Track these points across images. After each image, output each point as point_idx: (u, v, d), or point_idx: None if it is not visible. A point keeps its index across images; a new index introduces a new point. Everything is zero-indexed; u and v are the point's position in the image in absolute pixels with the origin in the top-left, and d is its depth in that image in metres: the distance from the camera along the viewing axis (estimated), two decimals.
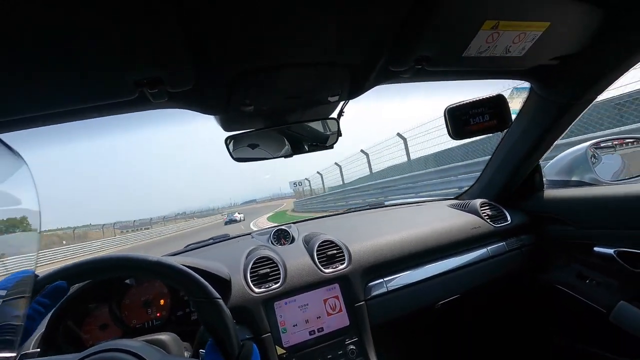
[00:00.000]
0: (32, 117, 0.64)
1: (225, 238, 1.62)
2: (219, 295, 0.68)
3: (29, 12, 0.43)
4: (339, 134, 1.02)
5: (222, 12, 0.54)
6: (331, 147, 1.04)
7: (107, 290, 1.05)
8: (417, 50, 0.79)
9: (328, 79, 0.84)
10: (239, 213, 32.69)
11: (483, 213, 1.44)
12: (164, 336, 0.81)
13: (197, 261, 1.08)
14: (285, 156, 1.01)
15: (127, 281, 1.07)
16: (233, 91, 0.75)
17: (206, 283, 0.69)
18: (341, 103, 1.00)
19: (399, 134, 10.23)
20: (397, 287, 1.21)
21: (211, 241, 1.61)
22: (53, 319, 0.94)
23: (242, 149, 0.98)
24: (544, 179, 1.46)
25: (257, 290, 1.08)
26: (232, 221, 27.48)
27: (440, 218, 1.46)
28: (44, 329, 0.92)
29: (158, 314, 1.08)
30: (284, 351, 1.04)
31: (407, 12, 0.67)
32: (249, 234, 1.63)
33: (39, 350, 0.88)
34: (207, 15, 0.53)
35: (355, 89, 0.92)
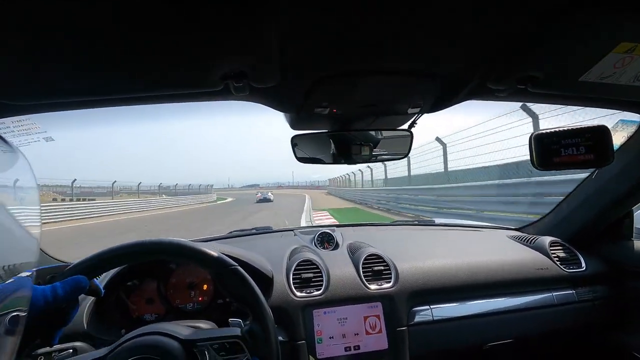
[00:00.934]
0: (128, 98, 0.66)
1: (267, 230, 1.62)
2: (235, 263, 0.69)
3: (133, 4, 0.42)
4: (410, 146, 0.95)
5: (313, 13, 0.50)
6: (399, 159, 0.96)
7: (156, 268, 1.08)
8: (524, 69, 0.69)
9: (414, 90, 0.77)
10: (271, 193, 33.73)
11: (553, 253, 1.27)
12: (202, 324, 0.82)
13: (242, 253, 1.08)
14: (349, 163, 0.95)
15: (171, 265, 1.10)
16: (312, 91, 0.71)
17: (220, 254, 0.70)
18: (417, 114, 0.92)
19: (437, 139, 9.47)
20: (443, 317, 1.12)
21: (254, 231, 1.62)
22: (106, 288, 0.99)
23: (306, 149, 0.94)
24: (634, 227, 1.26)
25: (298, 294, 1.06)
26: (265, 199, 28.50)
27: (499, 249, 1.32)
28: (93, 301, 0.97)
29: (200, 298, 1.09)
30: None
31: (523, 24, 0.57)
32: (292, 230, 1.61)
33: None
34: (298, 15, 0.50)
35: (440, 103, 0.83)
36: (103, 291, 0.68)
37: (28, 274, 0.53)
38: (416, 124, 0.98)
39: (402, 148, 0.95)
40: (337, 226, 1.63)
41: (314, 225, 1.91)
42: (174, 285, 1.08)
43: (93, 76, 0.58)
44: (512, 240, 1.42)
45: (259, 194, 31.70)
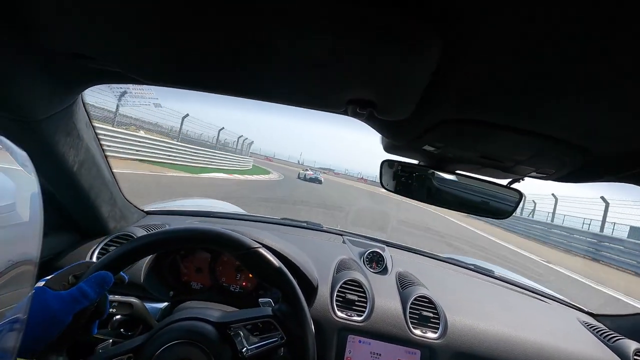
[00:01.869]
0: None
1: (318, 227, 1.60)
2: (258, 245, 0.68)
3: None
4: (516, 208, 0.81)
5: (477, 64, 0.41)
6: (499, 217, 0.84)
7: None
8: None
9: (550, 157, 0.64)
10: (323, 173, 29.75)
11: None
12: (227, 308, 0.83)
13: (294, 255, 1.06)
14: (439, 205, 0.85)
15: None
16: (434, 130, 0.62)
17: (241, 235, 0.68)
18: (536, 178, 0.78)
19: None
20: None
21: (305, 224, 1.60)
22: (162, 253, 1.04)
23: (395, 177, 0.86)
24: None
25: (339, 314, 1.02)
26: (314, 180, 24.69)
27: (568, 335, 1.13)
28: (153, 258, 1.02)
29: (244, 284, 1.10)
30: None
31: None
32: (341, 234, 1.57)
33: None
34: (459, 62, 0.41)
35: (577, 176, 0.69)
36: (127, 278, 0.69)
37: (42, 283, 0.54)
38: (524, 179, 0.84)
39: (506, 207, 0.82)
40: (387, 244, 1.55)
41: (362, 235, 1.84)
42: (224, 262, 1.10)
43: (216, 73, 0.55)
44: (585, 329, 1.23)
45: (309, 171, 27.51)
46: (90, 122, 0.85)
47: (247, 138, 27.77)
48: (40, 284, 0.54)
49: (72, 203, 0.97)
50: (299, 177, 25.50)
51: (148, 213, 1.37)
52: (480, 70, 0.42)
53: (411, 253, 1.57)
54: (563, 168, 0.67)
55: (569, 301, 1.45)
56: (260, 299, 0.77)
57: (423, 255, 1.58)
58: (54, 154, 0.77)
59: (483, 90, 0.47)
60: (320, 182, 24.72)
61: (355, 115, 0.59)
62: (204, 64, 0.52)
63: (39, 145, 0.73)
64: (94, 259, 1.00)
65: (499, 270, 1.63)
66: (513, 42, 0.36)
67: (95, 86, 0.72)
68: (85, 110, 0.82)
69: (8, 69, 0.54)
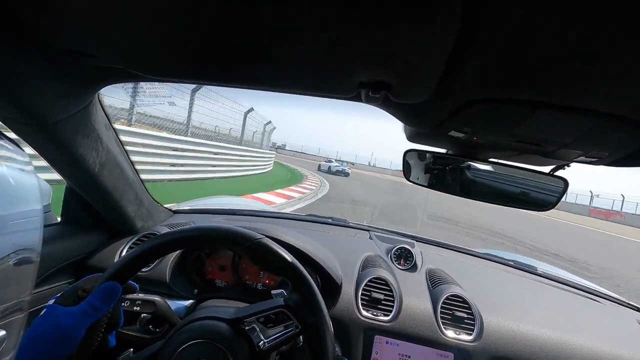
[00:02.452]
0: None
1: (344, 223, 1.55)
2: (260, 236, 0.64)
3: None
4: (560, 198, 0.72)
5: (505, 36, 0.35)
6: (541, 209, 0.75)
7: None
8: None
9: (604, 138, 0.55)
10: (350, 165, 24.94)
11: None
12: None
13: (316, 252, 1.03)
14: (473, 197, 0.77)
15: None
16: (460, 113, 0.55)
17: (242, 229, 0.65)
18: (587, 163, 0.68)
19: None
20: None
21: (330, 220, 1.57)
22: (186, 250, 1.05)
23: (421, 168, 0.79)
24: None
25: (364, 313, 0.97)
26: (340, 172, 22.40)
27: (626, 340, 1.00)
28: (178, 256, 1.04)
29: (267, 281, 1.09)
30: None
31: None
32: (368, 230, 1.51)
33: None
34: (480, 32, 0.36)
35: (630, 159, 0.59)
36: (138, 286, 0.69)
37: (52, 301, 0.55)
38: (570, 165, 0.74)
39: (550, 197, 0.72)
40: (417, 240, 1.47)
41: (391, 230, 1.77)
42: (247, 261, 1.10)
43: (222, 65, 0.52)
44: None
45: (334, 162, 24.46)
46: (110, 123, 0.87)
47: (270, 122, 16.75)
48: (51, 301, 0.55)
49: (98, 204, 1.00)
50: (319, 169, 23.11)
51: (176, 212, 1.40)
52: (511, 39, 0.35)
53: (443, 249, 1.48)
54: (619, 150, 0.57)
55: (626, 300, 1.30)
56: (272, 291, 0.75)
57: (456, 250, 1.48)
58: (74, 156, 0.79)
59: (515, 63, 0.40)
60: (347, 174, 22.79)
61: (368, 100, 0.54)
62: (210, 56, 0.49)
63: (58, 148, 0.75)
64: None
65: (542, 267, 1.49)
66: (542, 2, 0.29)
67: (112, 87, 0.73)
68: (104, 112, 0.83)
69: (17, 72, 0.54)
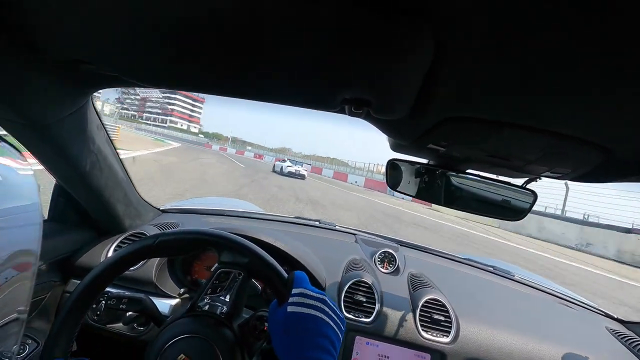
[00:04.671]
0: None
1: (330, 227, 1.59)
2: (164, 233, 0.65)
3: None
4: (529, 209, 0.77)
5: (478, 57, 0.38)
6: (511, 219, 0.80)
7: None
8: None
9: (566, 156, 0.60)
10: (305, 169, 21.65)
11: None
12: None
13: (301, 254, 1.06)
14: (451, 206, 0.82)
15: None
16: (437, 129, 0.59)
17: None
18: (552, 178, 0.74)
19: None
20: None
21: (317, 223, 1.60)
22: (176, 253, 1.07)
23: (403, 177, 0.83)
24: None
25: (346, 315, 1.01)
26: (294, 174, 19.96)
27: (595, 346, 1.05)
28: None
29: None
30: None
31: None
32: (354, 233, 1.55)
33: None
34: (455, 53, 0.39)
35: (596, 176, 0.64)
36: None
37: None
38: (539, 179, 0.79)
39: (519, 208, 0.77)
40: (402, 244, 1.52)
41: (377, 234, 1.82)
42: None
43: (215, 75, 0.55)
44: (613, 338, 1.14)
45: (288, 163, 21.31)
46: (102, 124, 0.89)
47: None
48: None
49: (87, 202, 1.01)
50: (273, 170, 20.81)
51: (164, 211, 1.41)
52: (475, 68, 0.39)
53: (427, 253, 1.53)
54: (580, 167, 0.63)
55: (596, 307, 1.37)
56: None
57: (439, 255, 1.53)
58: (66, 156, 0.80)
59: (481, 88, 0.45)
60: (303, 177, 20.21)
61: (352, 114, 0.58)
62: (198, 66, 0.52)
63: (51, 148, 0.77)
64: (110, 255, 1.05)
65: (520, 272, 1.55)
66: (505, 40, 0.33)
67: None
68: (97, 113, 0.85)
69: (14, 77, 0.56)
